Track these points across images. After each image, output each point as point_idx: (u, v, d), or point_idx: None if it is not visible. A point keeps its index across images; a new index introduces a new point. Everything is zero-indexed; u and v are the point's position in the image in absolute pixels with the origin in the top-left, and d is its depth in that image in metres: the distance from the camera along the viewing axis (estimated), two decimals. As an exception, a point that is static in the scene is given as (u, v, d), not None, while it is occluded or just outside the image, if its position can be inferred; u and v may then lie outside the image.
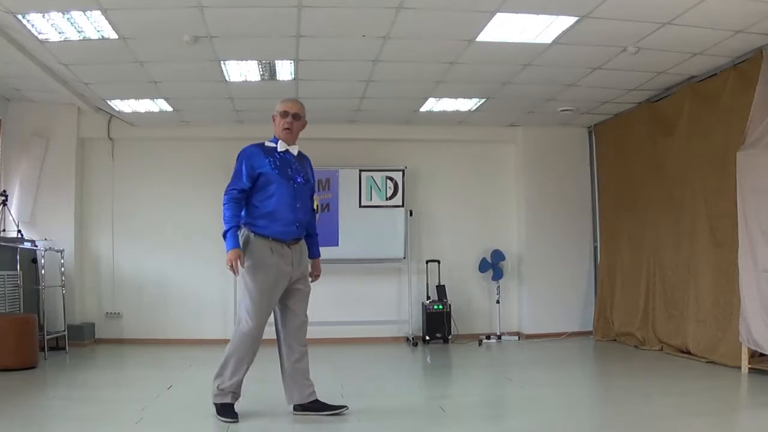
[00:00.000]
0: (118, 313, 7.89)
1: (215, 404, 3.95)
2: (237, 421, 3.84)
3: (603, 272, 8.09)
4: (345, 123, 7.91)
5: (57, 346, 6.94)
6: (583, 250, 8.43)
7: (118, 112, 7.47)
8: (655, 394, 4.69)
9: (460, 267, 8.29)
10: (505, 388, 5.45)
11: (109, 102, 7.10)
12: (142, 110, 7.37)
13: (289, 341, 4.02)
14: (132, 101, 7.08)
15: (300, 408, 4.04)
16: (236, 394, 3.96)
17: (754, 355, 5.32)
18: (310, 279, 4.13)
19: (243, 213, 3.91)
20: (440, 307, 7.87)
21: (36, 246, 6.99)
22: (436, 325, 7.83)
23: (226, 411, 3.90)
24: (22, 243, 6.77)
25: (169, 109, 7.30)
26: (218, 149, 8.15)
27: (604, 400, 4.92)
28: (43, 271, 6.79)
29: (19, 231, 6.93)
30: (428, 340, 7.78)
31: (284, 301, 4.01)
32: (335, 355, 7.01)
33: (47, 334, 6.58)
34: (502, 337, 8.07)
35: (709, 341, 5.89)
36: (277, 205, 3.89)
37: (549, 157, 8.42)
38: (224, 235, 3.80)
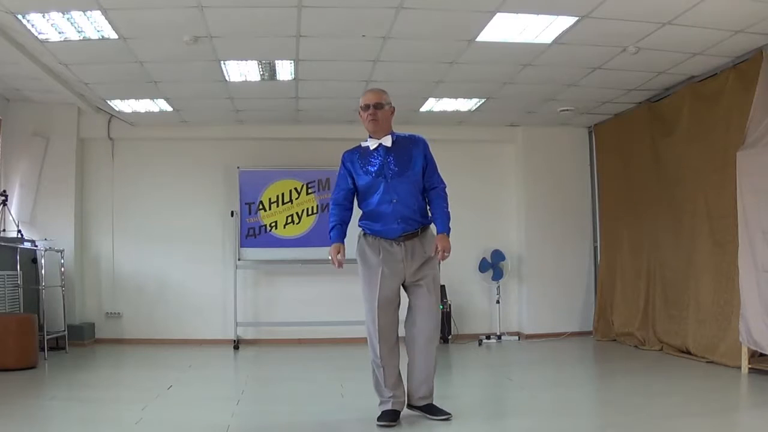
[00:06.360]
0: (118, 313, 7.89)
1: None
2: (392, 425, 3.78)
3: (603, 272, 8.08)
4: (345, 123, 7.89)
5: (57, 346, 6.94)
6: (583, 250, 8.43)
7: (118, 112, 7.47)
8: (655, 394, 4.68)
9: (460, 267, 8.26)
10: (505, 389, 5.45)
11: (109, 102, 7.10)
12: (142, 110, 7.37)
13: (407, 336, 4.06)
14: (132, 101, 7.08)
15: (409, 407, 4.04)
16: (395, 399, 3.92)
17: (754, 355, 5.32)
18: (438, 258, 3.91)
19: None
20: (440, 307, 7.83)
21: (36, 246, 6.99)
22: (436, 325, 7.80)
23: (382, 416, 3.86)
24: (22, 243, 6.77)
25: (169, 109, 7.30)
26: (218, 149, 8.19)
27: (604, 400, 4.91)
28: (43, 271, 6.78)
29: (19, 231, 6.93)
30: (428, 340, 7.76)
31: (410, 300, 4.04)
32: (335, 354, 7.01)
33: (47, 334, 6.58)
34: (502, 338, 8.07)
35: (709, 341, 5.89)
36: (374, 205, 3.88)
37: (549, 157, 8.41)
38: (329, 236, 3.91)
